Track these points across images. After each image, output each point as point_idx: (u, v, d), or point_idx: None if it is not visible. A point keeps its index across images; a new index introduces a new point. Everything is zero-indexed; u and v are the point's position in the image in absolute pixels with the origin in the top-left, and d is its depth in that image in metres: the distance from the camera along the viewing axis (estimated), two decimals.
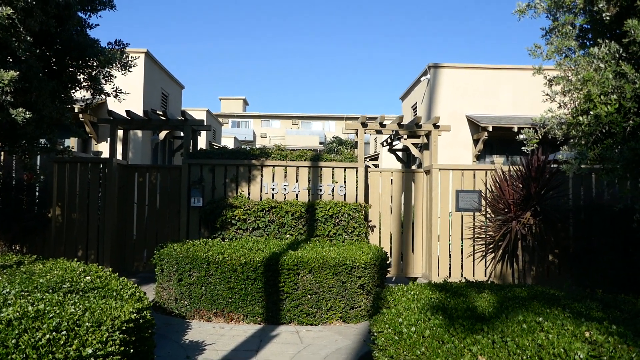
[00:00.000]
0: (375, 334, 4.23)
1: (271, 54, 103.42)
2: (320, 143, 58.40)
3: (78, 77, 6.42)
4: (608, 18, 5.65)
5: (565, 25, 6.29)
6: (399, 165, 17.60)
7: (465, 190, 9.32)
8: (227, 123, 58.92)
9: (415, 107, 17.33)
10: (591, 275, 8.94)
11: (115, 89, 6.95)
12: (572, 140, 6.24)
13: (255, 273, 6.61)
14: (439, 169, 9.32)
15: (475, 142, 14.76)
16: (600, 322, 3.76)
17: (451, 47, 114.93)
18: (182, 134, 14.54)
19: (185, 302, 6.86)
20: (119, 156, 12.28)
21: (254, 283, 6.62)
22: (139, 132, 14.12)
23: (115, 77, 6.83)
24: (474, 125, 14.60)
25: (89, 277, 5.47)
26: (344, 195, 9.35)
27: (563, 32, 6.34)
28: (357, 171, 9.41)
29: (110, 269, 5.93)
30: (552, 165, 8.52)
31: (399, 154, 18.67)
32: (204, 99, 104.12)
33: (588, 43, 6.23)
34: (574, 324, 3.70)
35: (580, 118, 5.78)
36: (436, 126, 9.65)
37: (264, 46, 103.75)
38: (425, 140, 10.24)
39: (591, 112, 5.63)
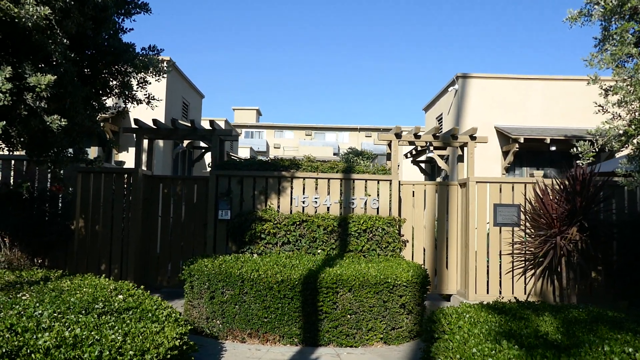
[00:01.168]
0: None
1: (285, 65, 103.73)
2: (334, 154, 58.03)
3: (110, 84, 6.15)
4: None
5: (623, 32, 5.93)
6: (421, 177, 17.19)
7: (504, 204, 8.91)
8: (241, 134, 58.63)
9: (441, 118, 16.97)
10: (637, 293, 8.47)
11: (148, 95, 6.68)
12: (631, 152, 5.85)
13: (293, 292, 6.25)
14: (476, 182, 8.92)
15: (505, 154, 14.33)
16: None
17: (474, 57, 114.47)
18: (201, 144, 14.34)
19: (218, 322, 6.51)
20: (143, 167, 12.04)
21: (291, 302, 6.26)
22: (160, 142, 13.90)
23: (150, 83, 6.55)
24: (504, 137, 14.19)
25: (121, 296, 5.16)
26: (377, 208, 8.98)
27: (620, 39, 5.97)
28: (390, 184, 9.05)
29: (135, 285, 5.62)
30: (596, 178, 8.11)
31: (423, 165, 18.31)
32: (218, 109, 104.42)
33: None
34: None
35: None
36: (473, 137, 9.27)
37: (277, 57, 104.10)
38: (460, 152, 9.85)
39: None
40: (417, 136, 9.36)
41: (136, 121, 8.89)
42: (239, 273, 6.39)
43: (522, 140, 13.13)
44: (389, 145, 9.63)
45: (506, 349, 3.48)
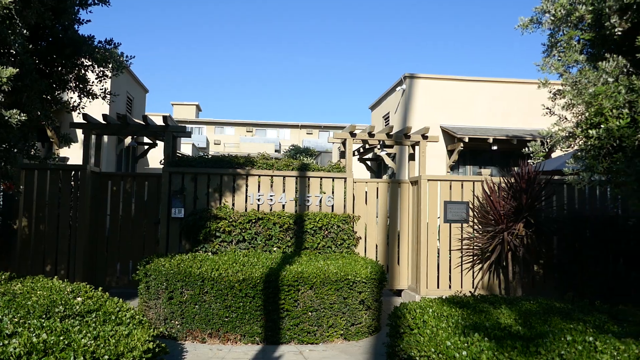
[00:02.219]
0: (410, 357, 3.97)
1: (224, 61, 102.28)
2: (276, 151, 57.85)
3: (66, 77, 5.87)
4: (620, 34, 5.64)
5: (570, 40, 6.27)
6: (368, 175, 17.48)
7: (454, 202, 9.23)
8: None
9: (388, 117, 17.30)
10: (576, 285, 9.01)
11: (104, 90, 6.43)
12: (579, 153, 6.20)
13: (254, 290, 6.23)
14: (428, 180, 9.19)
15: (450, 152, 14.82)
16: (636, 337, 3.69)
17: (422, 57, 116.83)
18: (145, 140, 13.98)
19: (177, 323, 6.39)
20: (78, 161, 11.58)
21: (252, 301, 6.24)
22: (105, 139, 13.42)
23: (109, 76, 6.30)
24: (449, 136, 14.66)
25: (80, 298, 4.98)
26: (332, 206, 9.08)
27: (568, 46, 6.32)
28: (345, 181, 9.16)
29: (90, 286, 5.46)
30: (540, 177, 8.55)
31: (369, 163, 18.62)
32: (157, 105, 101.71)
33: (595, 57, 6.22)
34: (621, 342, 3.57)
35: (590, 132, 5.73)
36: (425, 137, 9.54)
37: (216, 53, 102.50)
38: (411, 151, 10.11)
39: (602, 126, 5.59)
40: (371, 135, 9.52)
41: (85, 116, 8.54)
42: (198, 272, 6.30)
43: (466, 140, 13.63)
44: (343, 143, 9.74)
45: (477, 341, 3.63)
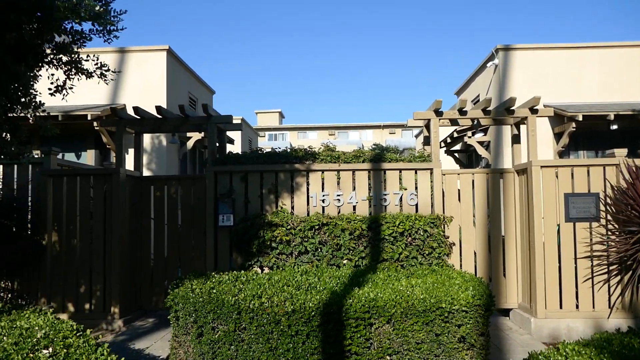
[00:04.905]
0: None
1: (305, 69, 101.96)
2: None
3: (40, 49, 4.45)
4: None
5: None
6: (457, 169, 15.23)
7: (578, 194, 6.98)
8: (264, 136, 58.26)
9: (477, 101, 14.98)
10: None
11: (99, 64, 4.97)
12: None
13: (309, 326, 4.48)
14: (541, 167, 7.02)
15: (558, 136, 12.31)
16: None
17: (510, 31, 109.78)
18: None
19: None
20: (130, 166, 10.44)
21: (306, 341, 4.49)
22: (164, 141, 12.30)
23: (91, 39, 4.83)
24: (556, 117, 12.14)
25: (50, 349, 3.46)
26: (416, 205, 7.17)
27: None
28: (431, 173, 7.22)
29: (78, 328, 3.97)
30: None
31: (458, 155, 16.35)
32: (241, 114, 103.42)
33: None
34: None
35: None
36: (534, 110, 7.38)
37: (297, 62, 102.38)
38: (515, 131, 7.95)
39: None
40: (462, 112, 7.50)
41: (113, 110, 7.23)
42: (234, 301, 4.66)
43: (580, 118, 11.11)
44: (427, 126, 7.81)
45: None
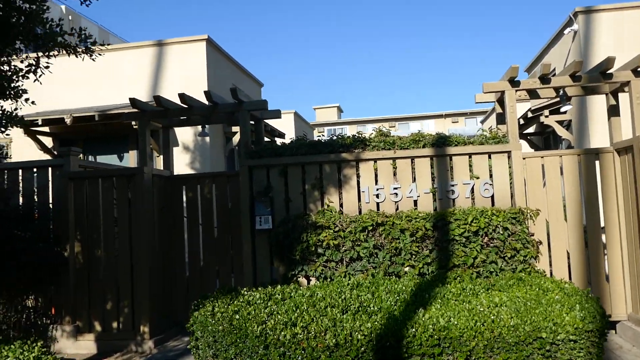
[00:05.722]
0: None
1: (361, 60, 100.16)
2: None
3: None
4: None
5: None
6: None
7: None
8: (323, 132, 57.69)
9: (553, 75, 13.24)
10: None
11: (82, 35, 3.97)
12: None
13: None
14: None
15: None
16: None
17: None
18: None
19: None
20: (177, 166, 9.62)
21: None
22: (207, 137, 11.46)
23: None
24: None
25: None
26: (491, 196, 5.86)
27: None
28: (509, 157, 5.89)
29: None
30: None
31: (532, 139, 14.65)
32: (299, 111, 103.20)
33: None
34: None
35: None
36: (638, 72, 5.86)
37: (354, 51, 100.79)
38: (613, 102, 6.44)
39: None
40: (544, 80, 6.09)
41: (133, 101, 6.32)
42: (260, 331, 3.58)
43: None
44: (499, 101, 6.47)
45: None
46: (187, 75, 11.48)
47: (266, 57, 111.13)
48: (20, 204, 6.59)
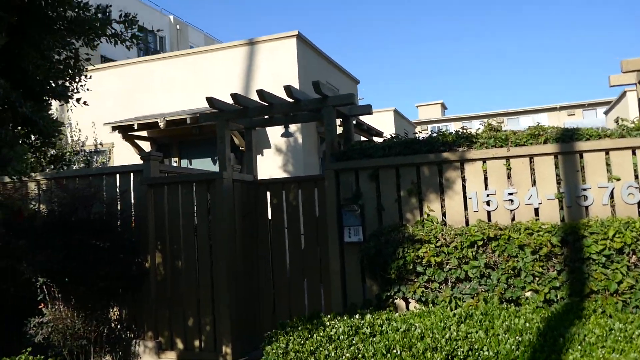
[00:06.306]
0: None
1: (466, 54, 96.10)
2: None
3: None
4: None
5: None
6: None
7: None
8: (427, 130, 55.88)
9: None
10: None
11: (127, 21, 3.40)
12: None
13: None
14: None
15: None
16: None
17: None
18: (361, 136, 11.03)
19: None
20: (264, 171, 9.12)
21: None
22: (300, 138, 10.91)
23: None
24: None
25: None
26: (638, 203, 4.63)
27: None
28: None
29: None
30: None
31: None
32: (402, 110, 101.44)
33: None
34: None
35: None
36: None
37: (457, 45, 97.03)
38: None
39: None
40: None
41: (210, 100, 5.81)
42: None
43: None
44: None
45: None
46: (277, 73, 10.99)
47: (363, 53, 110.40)
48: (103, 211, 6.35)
